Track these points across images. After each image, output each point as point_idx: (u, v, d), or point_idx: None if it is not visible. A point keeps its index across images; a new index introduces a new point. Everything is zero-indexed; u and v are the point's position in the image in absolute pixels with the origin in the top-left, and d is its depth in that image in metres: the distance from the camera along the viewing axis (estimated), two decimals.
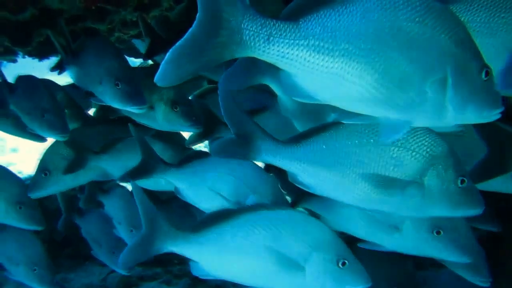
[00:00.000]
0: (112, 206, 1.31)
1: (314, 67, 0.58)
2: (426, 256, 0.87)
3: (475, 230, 0.88)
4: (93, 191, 1.32)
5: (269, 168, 1.38)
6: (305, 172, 0.73)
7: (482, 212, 0.69)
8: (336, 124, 0.71)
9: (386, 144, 0.68)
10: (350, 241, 0.85)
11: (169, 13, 1.37)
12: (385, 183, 0.68)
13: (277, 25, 0.57)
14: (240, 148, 0.73)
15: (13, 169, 1.30)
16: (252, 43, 0.56)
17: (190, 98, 1.22)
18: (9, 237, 1.27)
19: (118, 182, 1.27)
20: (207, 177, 0.95)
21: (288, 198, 1.02)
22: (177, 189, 1.01)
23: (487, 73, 0.60)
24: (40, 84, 1.17)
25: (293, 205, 1.01)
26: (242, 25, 0.55)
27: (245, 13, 0.55)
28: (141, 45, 1.27)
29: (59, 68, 1.24)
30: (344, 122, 0.68)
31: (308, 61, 0.58)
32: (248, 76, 0.76)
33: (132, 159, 1.01)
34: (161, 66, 0.54)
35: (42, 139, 1.30)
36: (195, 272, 0.81)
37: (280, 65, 0.59)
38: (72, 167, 1.14)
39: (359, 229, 0.90)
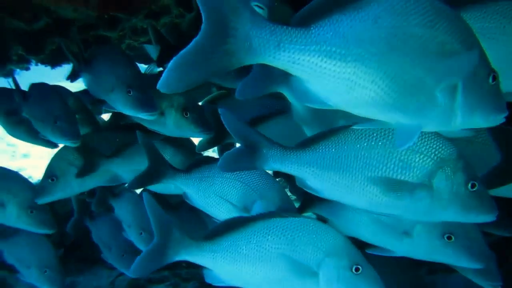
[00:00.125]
0: (121, 209, 1.32)
1: (325, 73, 0.58)
2: (437, 262, 0.87)
3: (486, 235, 0.87)
4: (104, 194, 1.33)
5: (277, 173, 1.39)
6: (314, 176, 0.73)
7: (495, 219, 0.68)
8: (344, 127, 0.72)
9: (394, 147, 0.68)
10: (360, 246, 0.85)
11: (179, 20, 1.39)
12: (394, 186, 0.68)
13: (287, 31, 0.57)
14: (246, 159, 0.73)
15: (24, 174, 1.32)
16: (262, 50, 0.56)
17: (200, 104, 1.23)
18: (21, 240, 1.29)
19: (128, 189, 1.29)
20: (214, 182, 0.96)
21: (296, 204, 1.02)
22: (185, 194, 1.02)
23: (494, 78, 0.60)
24: (52, 91, 1.19)
25: (301, 209, 1.01)
26: (251, 32, 0.55)
27: (253, 20, 0.55)
28: (153, 50, 1.28)
29: (73, 76, 1.27)
30: (354, 127, 0.69)
31: (320, 66, 0.58)
32: (264, 85, 0.77)
33: (144, 163, 1.01)
34: (164, 73, 0.54)
35: (54, 145, 1.32)
36: (209, 280, 0.81)
37: (291, 71, 0.59)
38: (84, 171, 1.16)
39: (368, 234, 0.90)
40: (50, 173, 1.18)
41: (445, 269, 1.11)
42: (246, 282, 0.79)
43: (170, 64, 0.54)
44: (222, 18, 0.54)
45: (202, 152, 1.26)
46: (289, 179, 1.18)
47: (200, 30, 0.54)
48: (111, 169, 1.18)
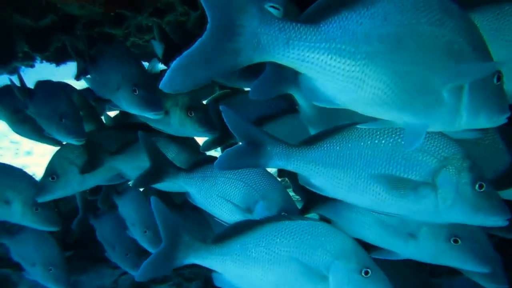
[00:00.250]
0: (125, 207, 1.32)
1: (334, 71, 0.58)
2: (443, 265, 0.86)
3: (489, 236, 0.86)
4: (109, 192, 1.33)
5: (282, 173, 1.38)
6: (319, 174, 0.73)
7: (507, 224, 0.67)
8: (348, 125, 0.71)
9: (398, 145, 0.68)
10: (364, 248, 0.84)
11: (183, 18, 1.39)
12: (397, 184, 0.68)
13: (296, 28, 0.56)
14: (249, 156, 0.72)
15: (27, 171, 1.32)
16: (271, 47, 0.55)
17: (205, 103, 1.23)
18: (26, 238, 1.30)
19: (132, 187, 1.29)
20: (216, 182, 0.96)
21: (299, 204, 1.02)
22: (188, 193, 1.02)
23: (498, 78, 0.60)
24: (58, 89, 1.18)
25: (305, 210, 1.00)
26: (259, 29, 0.54)
27: (261, 17, 0.54)
28: (159, 47, 1.28)
29: (80, 75, 1.27)
30: (360, 126, 0.68)
31: (329, 64, 0.57)
32: (277, 85, 0.76)
33: (147, 160, 1.01)
34: (167, 73, 0.53)
35: (58, 143, 1.32)
36: (218, 283, 0.81)
37: (299, 69, 0.59)
38: (88, 167, 1.15)
39: (372, 236, 0.89)
40: (51, 171, 1.18)
41: (450, 272, 1.10)
42: (255, 285, 0.79)
43: (173, 65, 0.53)
44: (228, 16, 0.53)
45: (206, 152, 1.26)
46: (293, 180, 1.17)
47: (206, 29, 0.53)
48: (115, 166, 1.17)
